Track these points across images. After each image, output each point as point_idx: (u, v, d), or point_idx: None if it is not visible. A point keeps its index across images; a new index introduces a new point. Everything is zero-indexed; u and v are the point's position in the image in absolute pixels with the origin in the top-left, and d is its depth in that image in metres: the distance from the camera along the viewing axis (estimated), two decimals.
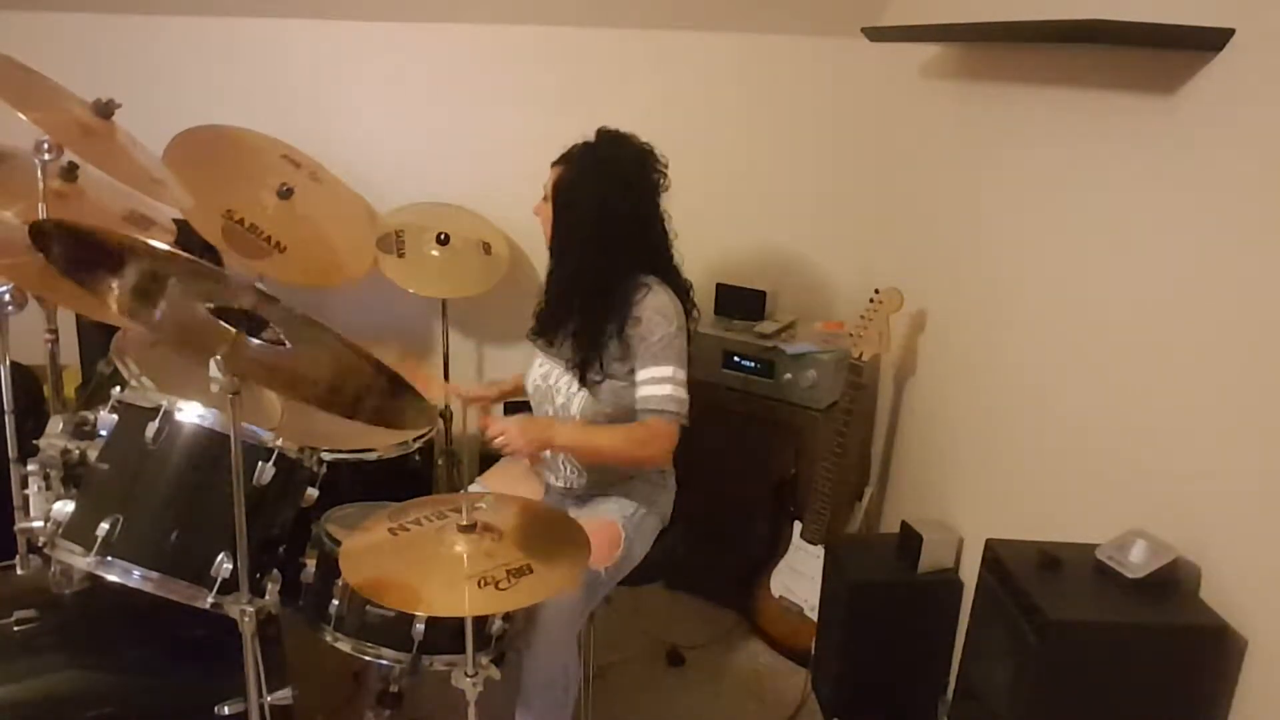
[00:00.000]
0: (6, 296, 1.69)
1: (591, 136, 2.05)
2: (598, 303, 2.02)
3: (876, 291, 2.43)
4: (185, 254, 1.35)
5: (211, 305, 1.43)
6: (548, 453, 2.09)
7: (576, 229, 2.03)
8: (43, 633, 1.70)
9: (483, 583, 1.47)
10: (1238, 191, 1.45)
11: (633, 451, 2.00)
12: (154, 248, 1.33)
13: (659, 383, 1.97)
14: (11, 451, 1.77)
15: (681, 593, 2.91)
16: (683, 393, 1.98)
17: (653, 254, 2.07)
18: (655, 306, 2.00)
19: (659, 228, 2.08)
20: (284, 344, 1.47)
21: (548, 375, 2.12)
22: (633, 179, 2.01)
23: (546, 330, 2.15)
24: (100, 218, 2.12)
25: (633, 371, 2.01)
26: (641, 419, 1.98)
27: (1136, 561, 1.49)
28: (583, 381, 2.04)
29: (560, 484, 2.17)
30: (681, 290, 2.09)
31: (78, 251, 1.46)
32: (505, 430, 1.91)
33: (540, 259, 2.36)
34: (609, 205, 1.99)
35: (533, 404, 2.19)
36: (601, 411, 2.04)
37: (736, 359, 2.75)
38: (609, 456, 2.04)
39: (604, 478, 2.13)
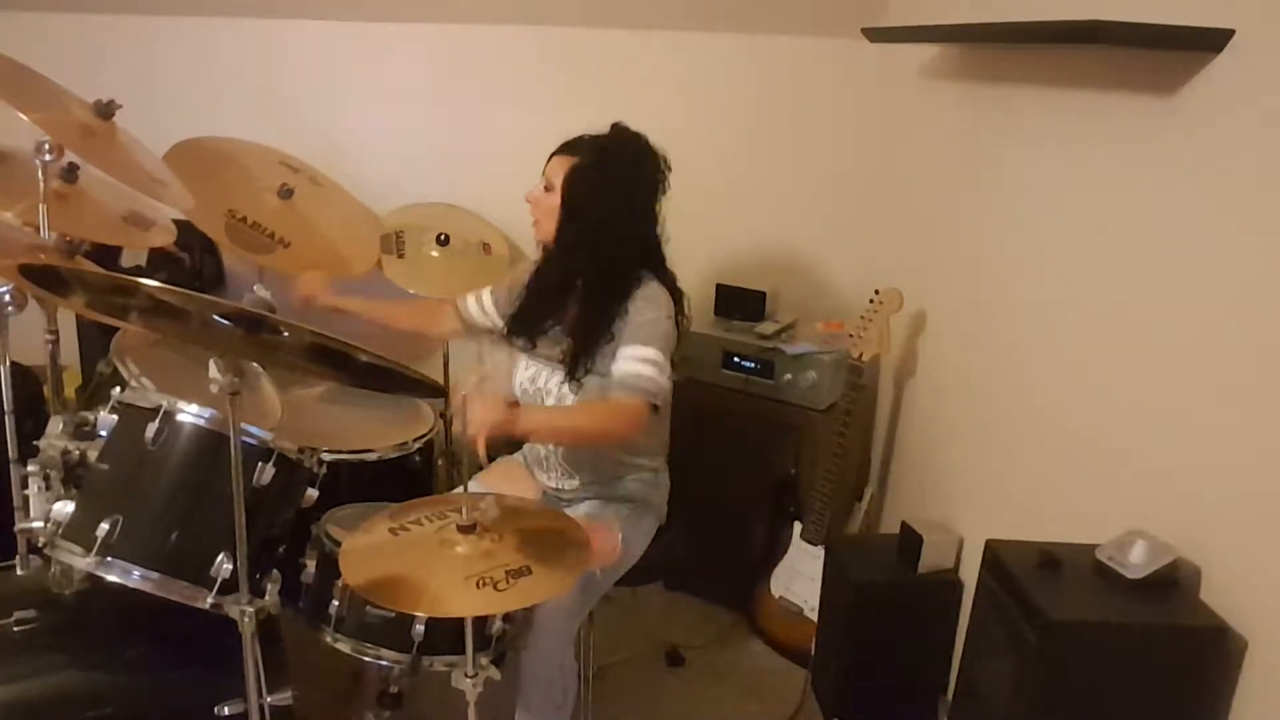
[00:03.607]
0: (6, 297, 1.69)
1: (600, 130, 2.02)
2: (600, 299, 2.00)
3: (876, 292, 2.43)
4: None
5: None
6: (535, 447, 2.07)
7: (587, 222, 1.98)
8: (43, 633, 1.70)
9: (481, 583, 1.47)
10: (1238, 192, 1.45)
11: (598, 425, 1.92)
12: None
13: (636, 361, 1.91)
14: (11, 452, 1.77)
15: (681, 593, 2.91)
16: (659, 376, 1.91)
17: (651, 254, 2.06)
18: (645, 295, 1.98)
19: (657, 229, 2.06)
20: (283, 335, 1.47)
21: (535, 378, 2.11)
22: (644, 178, 2.00)
23: (529, 325, 2.11)
24: (100, 218, 2.13)
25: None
26: (613, 394, 1.92)
27: (1136, 561, 1.49)
28: (571, 374, 2.00)
29: (553, 484, 2.17)
30: (674, 287, 2.07)
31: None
32: (471, 407, 1.77)
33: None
34: (621, 201, 1.98)
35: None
36: None
37: (736, 359, 2.75)
38: (575, 433, 1.99)
39: (595, 478, 2.12)
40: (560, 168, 2.00)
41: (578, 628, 2.00)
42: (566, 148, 2.02)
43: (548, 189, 2.01)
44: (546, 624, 1.88)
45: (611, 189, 1.97)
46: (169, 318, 1.54)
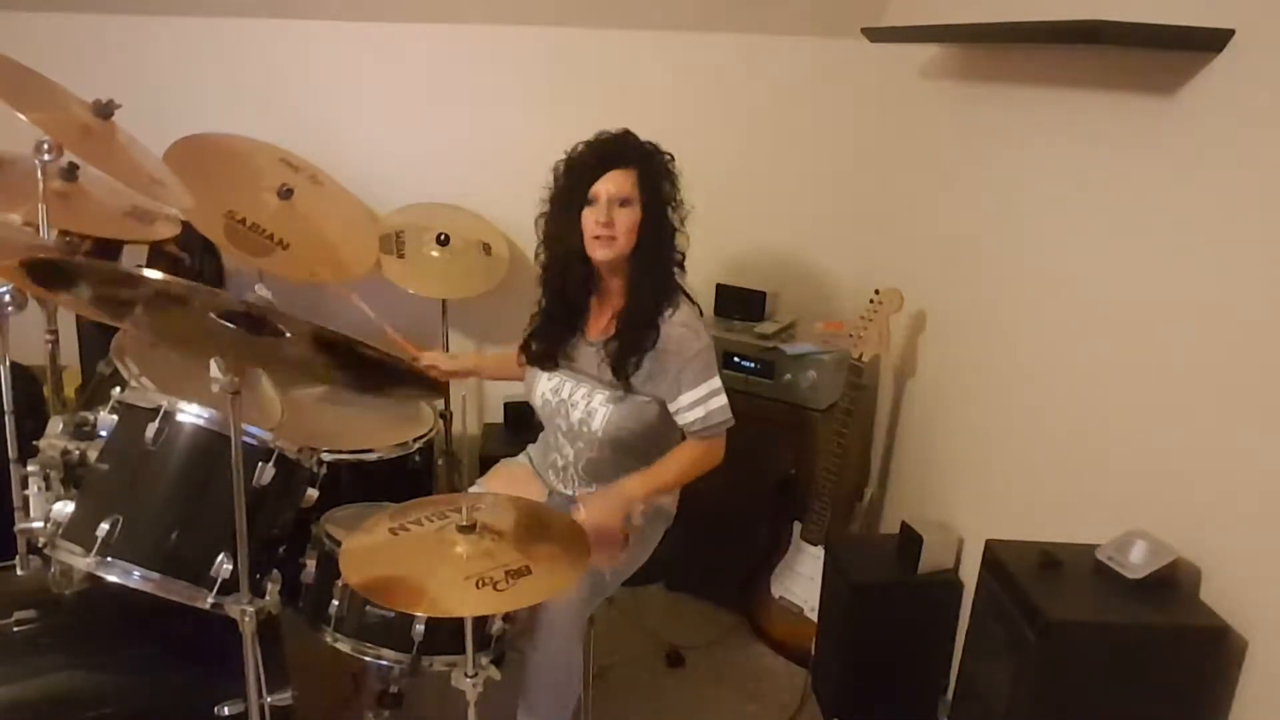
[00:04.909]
0: (6, 297, 1.69)
1: (611, 132, 2.00)
2: (657, 301, 1.99)
3: (877, 292, 2.43)
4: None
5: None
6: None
7: (666, 231, 1.98)
8: (43, 633, 1.70)
9: (481, 583, 1.47)
10: (1238, 192, 1.45)
11: (696, 470, 2.06)
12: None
13: (706, 401, 1.99)
14: (11, 452, 1.77)
15: (682, 593, 2.91)
16: (724, 398, 2.02)
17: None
18: (681, 322, 1.97)
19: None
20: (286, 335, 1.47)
21: (558, 389, 2.08)
22: (675, 178, 2.02)
23: (558, 341, 2.09)
24: (103, 214, 2.13)
25: (651, 382, 1.99)
26: (703, 436, 2.01)
27: (1136, 562, 1.49)
28: (618, 376, 1.98)
29: (566, 490, 2.17)
30: (690, 296, 2.06)
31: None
32: (588, 520, 1.84)
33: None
34: (676, 205, 2.00)
35: (542, 419, 2.16)
36: (625, 426, 2.01)
37: (736, 359, 2.75)
38: (678, 484, 2.12)
39: (608, 485, 2.11)
40: (627, 180, 1.93)
41: (585, 626, 2.00)
42: (612, 160, 1.95)
43: (624, 204, 1.94)
44: (554, 622, 1.88)
45: (671, 196, 2.00)
46: (172, 311, 1.53)
